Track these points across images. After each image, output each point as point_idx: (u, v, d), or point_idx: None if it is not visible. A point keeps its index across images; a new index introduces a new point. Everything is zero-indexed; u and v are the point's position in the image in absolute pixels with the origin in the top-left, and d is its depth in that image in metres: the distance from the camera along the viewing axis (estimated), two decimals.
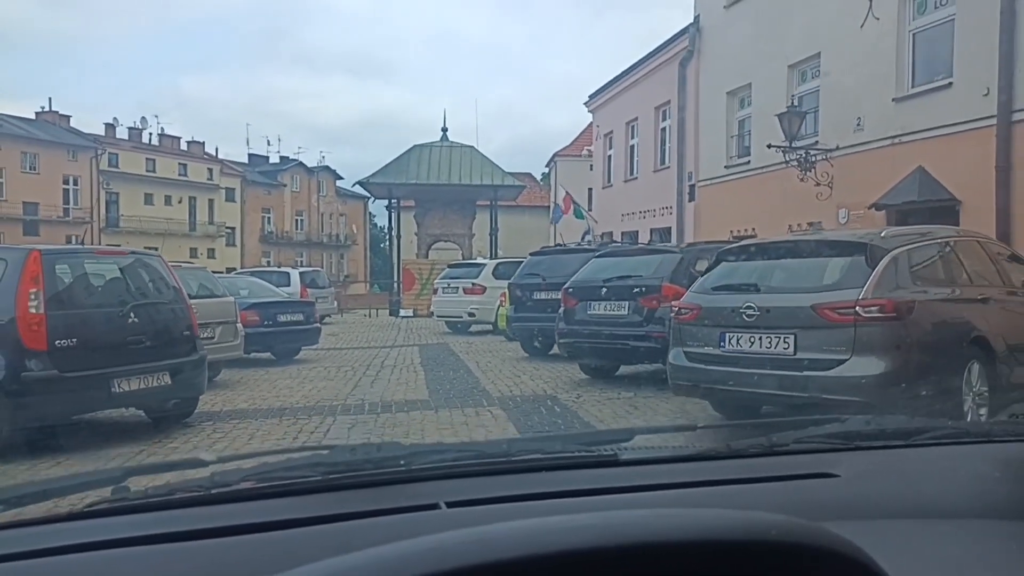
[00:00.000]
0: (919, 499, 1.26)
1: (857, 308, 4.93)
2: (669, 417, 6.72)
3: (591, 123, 29.87)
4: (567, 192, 27.20)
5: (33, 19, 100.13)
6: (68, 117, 50.38)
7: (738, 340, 5.44)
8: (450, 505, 1.11)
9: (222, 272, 21.47)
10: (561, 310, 9.19)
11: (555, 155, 39.23)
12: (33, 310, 5.55)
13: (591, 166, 28.78)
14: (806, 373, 5.07)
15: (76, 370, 5.69)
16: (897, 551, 1.01)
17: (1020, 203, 10.85)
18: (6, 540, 0.97)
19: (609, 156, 25.91)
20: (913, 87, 12.85)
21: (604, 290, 8.59)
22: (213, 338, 8.74)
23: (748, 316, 5.37)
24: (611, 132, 25.58)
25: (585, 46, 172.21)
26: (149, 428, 6.71)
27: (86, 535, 0.98)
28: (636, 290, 8.23)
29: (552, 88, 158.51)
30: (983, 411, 5.39)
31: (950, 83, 12.01)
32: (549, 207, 34.06)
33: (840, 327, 4.98)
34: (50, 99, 71.57)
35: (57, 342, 5.61)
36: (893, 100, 13.00)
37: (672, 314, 6.18)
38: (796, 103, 15.29)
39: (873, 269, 5.07)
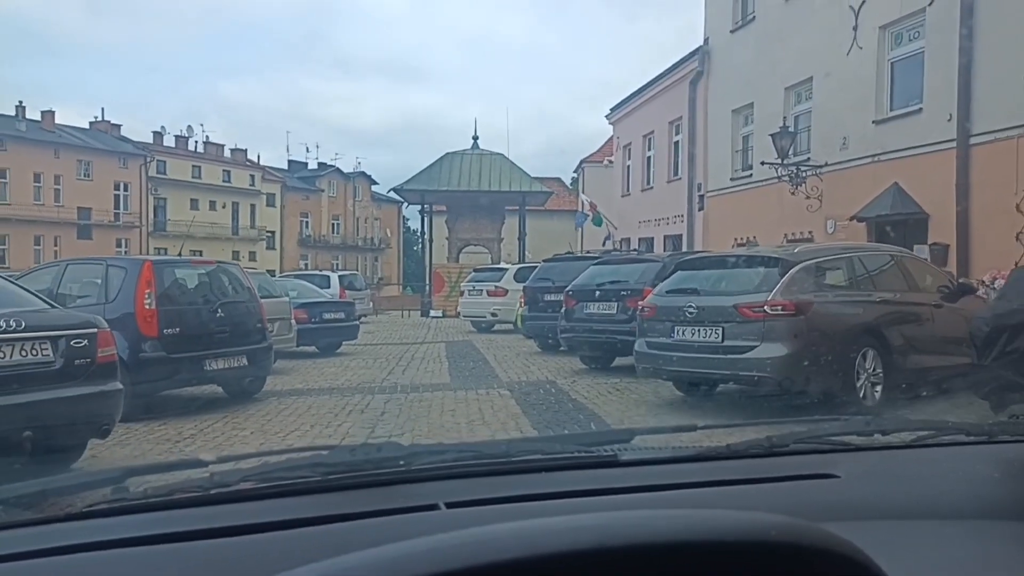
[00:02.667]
0: (919, 500, 1.27)
1: (765, 307, 6.53)
2: (640, 396, 8.32)
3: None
4: (590, 201, 28.74)
5: (82, 28, 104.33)
6: (119, 126, 52.93)
7: (683, 332, 7.06)
8: (449, 506, 1.11)
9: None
10: (563, 309, 10.86)
11: (583, 161, 40.31)
12: (147, 306, 7.34)
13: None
14: (729, 356, 6.68)
15: (179, 352, 7.48)
16: (897, 552, 1.02)
17: (977, 216, 12.19)
18: (5, 540, 0.97)
19: (628, 166, 27.40)
20: (891, 111, 14.24)
21: (598, 293, 10.25)
22: (272, 331, 10.50)
23: (690, 313, 7.00)
24: (630, 144, 27.09)
25: (618, 50, 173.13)
26: (227, 402, 8.45)
27: (85, 535, 0.98)
28: (623, 293, 9.84)
29: (585, 91, 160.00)
30: (878, 389, 6.93)
31: (920, 109, 13.40)
32: (576, 212, 35.40)
33: (753, 321, 6.57)
34: (103, 109, 74.74)
35: (165, 331, 7.40)
36: (873, 122, 14.40)
37: (639, 312, 7.82)
38: (792, 122, 16.76)
39: (782, 277, 6.65)
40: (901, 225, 13.60)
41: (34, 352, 4.56)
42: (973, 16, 12.07)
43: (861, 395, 6.74)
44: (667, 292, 7.52)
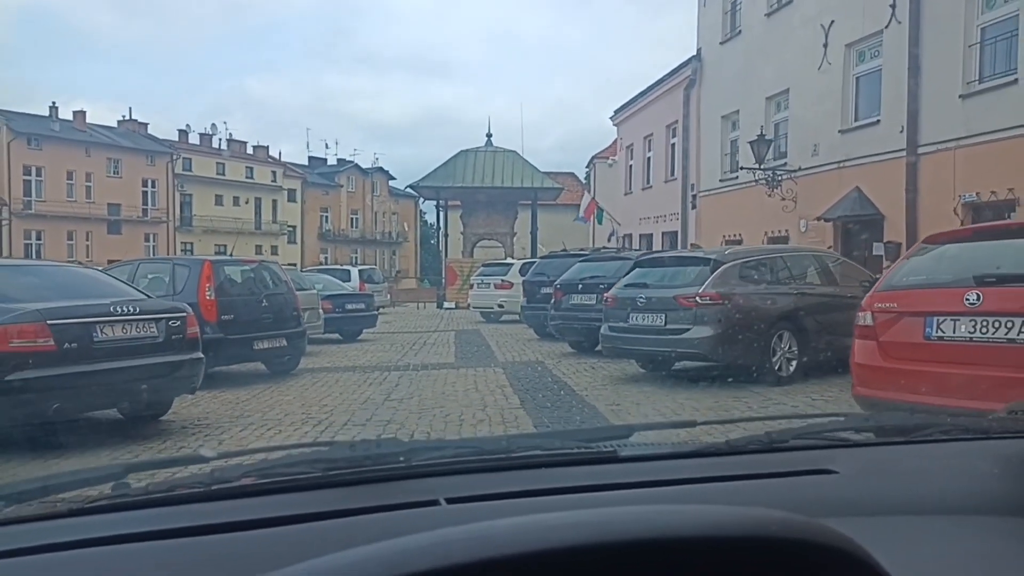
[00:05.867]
0: (917, 496, 1.28)
1: (696, 297, 8.25)
2: (609, 373, 10.01)
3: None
4: (593, 198, 30.35)
5: (111, 27, 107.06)
6: (146, 125, 54.90)
7: (636, 318, 8.81)
8: (450, 501, 1.12)
9: None
10: (552, 301, 12.63)
11: (594, 157, 41.43)
12: (208, 297, 9.15)
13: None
14: (670, 336, 8.44)
15: (233, 335, 9.28)
16: (896, 547, 1.03)
17: (923, 218, 13.73)
18: (7, 536, 0.98)
19: (630, 166, 29.01)
20: (855, 122, 15.79)
21: (580, 286, 12.01)
22: (304, 319, 12.32)
23: (641, 302, 8.74)
24: (632, 145, 28.68)
25: (641, 44, 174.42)
26: (269, 377, 10.22)
27: (87, 531, 0.99)
28: (601, 286, 11.51)
29: (607, 85, 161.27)
30: (793, 363, 8.61)
31: (878, 120, 14.95)
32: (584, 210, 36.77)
33: (688, 309, 8.29)
34: (130, 108, 76.98)
35: (222, 317, 9.20)
36: (839, 132, 15.95)
37: (603, 301, 9.57)
38: (773, 129, 18.36)
39: (712, 274, 8.37)
40: (861, 225, 15.20)
41: (145, 329, 6.33)
42: (919, 40, 13.63)
43: (777, 368, 8.44)
44: (625, 285, 9.27)
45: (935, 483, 1.34)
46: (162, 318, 6.50)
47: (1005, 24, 12.21)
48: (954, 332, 4.60)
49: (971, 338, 4.51)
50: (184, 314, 6.72)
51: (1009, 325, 4.35)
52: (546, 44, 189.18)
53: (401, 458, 1.25)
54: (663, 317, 8.49)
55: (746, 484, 1.27)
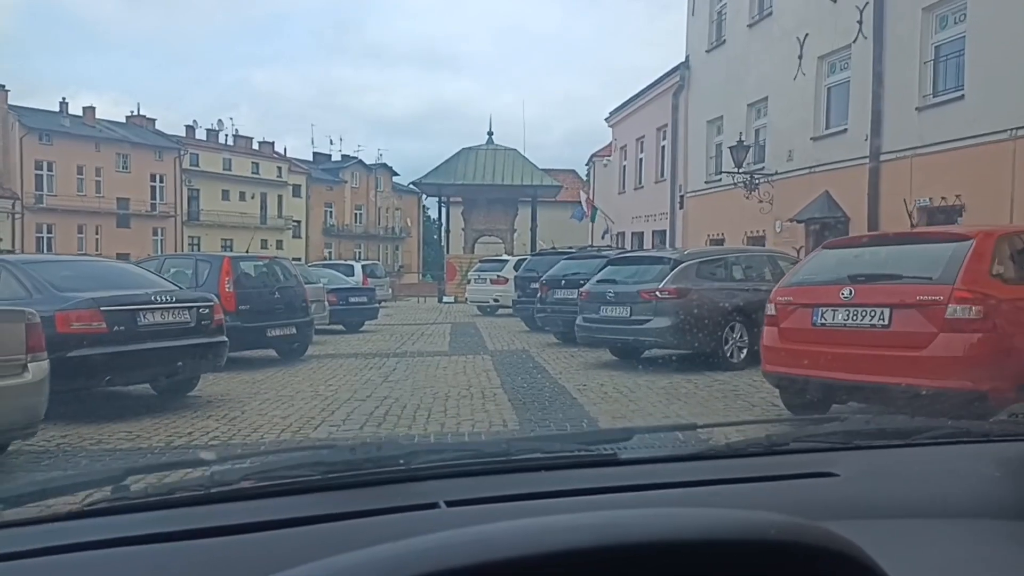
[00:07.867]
0: (918, 499, 1.29)
1: (657, 292, 9.41)
2: (585, 360, 11.15)
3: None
4: (589, 197, 31.47)
5: (115, 19, 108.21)
6: (154, 120, 55.98)
7: (606, 310, 9.98)
8: (450, 504, 1.13)
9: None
10: (539, 295, 13.80)
11: (593, 155, 42.25)
12: (228, 289, 10.30)
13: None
14: (634, 327, 9.62)
15: (250, 323, 10.43)
16: (896, 551, 1.03)
17: (883, 220, 14.81)
18: (6, 539, 0.99)
19: (624, 166, 30.11)
20: (826, 130, 16.88)
21: (563, 281, 13.17)
22: (311, 310, 13.48)
23: (609, 297, 9.90)
24: (625, 146, 29.77)
25: (650, 40, 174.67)
26: (280, 362, 11.38)
27: (86, 534, 0.99)
28: (582, 282, 12.65)
29: (614, 81, 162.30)
30: (743, 352, 9.73)
31: (846, 129, 16.04)
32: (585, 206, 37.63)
33: (650, 302, 9.46)
34: (138, 104, 78.06)
35: (240, 307, 10.35)
36: (811, 139, 17.04)
37: (578, 295, 10.74)
38: (753, 135, 19.45)
39: (671, 271, 9.52)
40: (829, 226, 16.29)
41: (180, 315, 7.48)
42: (882, 55, 14.72)
43: (728, 355, 9.59)
44: (597, 281, 10.46)
45: (936, 486, 1.34)
46: (193, 306, 7.65)
47: (955, 43, 13.28)
48: (833, 319, 5.75)
49: (845, 324, 5.65)
50: (212, 303, 7.88)
51: (872, 314, 5.49)
52: (553, 39, 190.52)
53: (401, 461, 1.27)
54: (629, 309, 9.65)
55: (746, 487, 1.27)
